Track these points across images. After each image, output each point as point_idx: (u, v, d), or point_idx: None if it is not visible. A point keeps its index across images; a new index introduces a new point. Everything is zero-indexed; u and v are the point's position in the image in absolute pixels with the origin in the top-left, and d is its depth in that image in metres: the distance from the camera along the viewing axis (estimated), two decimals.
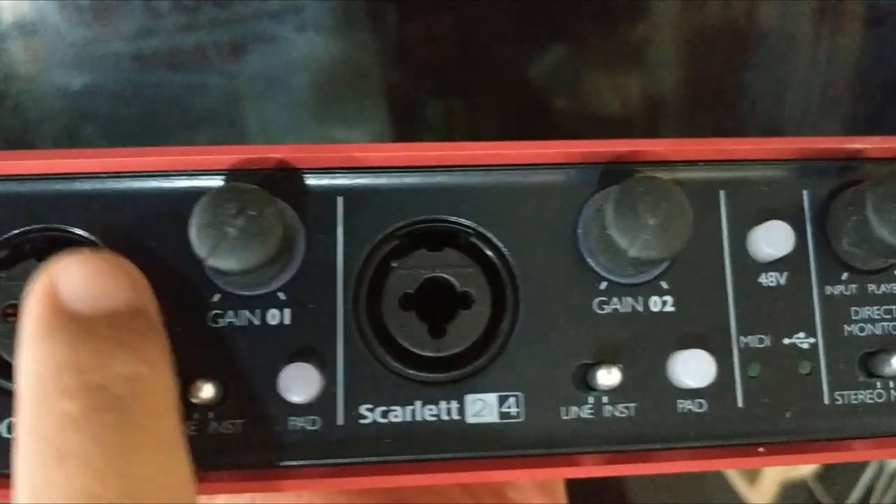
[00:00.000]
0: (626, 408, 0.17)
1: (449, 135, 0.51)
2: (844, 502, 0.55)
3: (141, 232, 0.16)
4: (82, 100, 0.47)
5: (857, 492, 0.55)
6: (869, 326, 0.17)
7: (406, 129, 0.47)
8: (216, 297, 0.16)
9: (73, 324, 0.14)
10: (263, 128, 0.50)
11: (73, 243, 0.16)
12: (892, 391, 0.17)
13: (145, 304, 0.15)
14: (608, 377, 0.16)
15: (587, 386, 0.17)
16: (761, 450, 0.17)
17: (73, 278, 0.14)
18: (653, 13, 0.47)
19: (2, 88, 0.46)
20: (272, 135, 0.50)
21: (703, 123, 0.48)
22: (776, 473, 0.50)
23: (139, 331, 0.14)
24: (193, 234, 0.15)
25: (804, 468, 0.53)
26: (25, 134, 0.47)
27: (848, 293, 0.17)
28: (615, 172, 0.17)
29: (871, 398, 0.17)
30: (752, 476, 0.51)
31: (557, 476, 0.17)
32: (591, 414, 0.17)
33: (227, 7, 0.44)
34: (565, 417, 0.17)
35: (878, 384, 0.17)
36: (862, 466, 0.55)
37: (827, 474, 0.55)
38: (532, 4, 0.45)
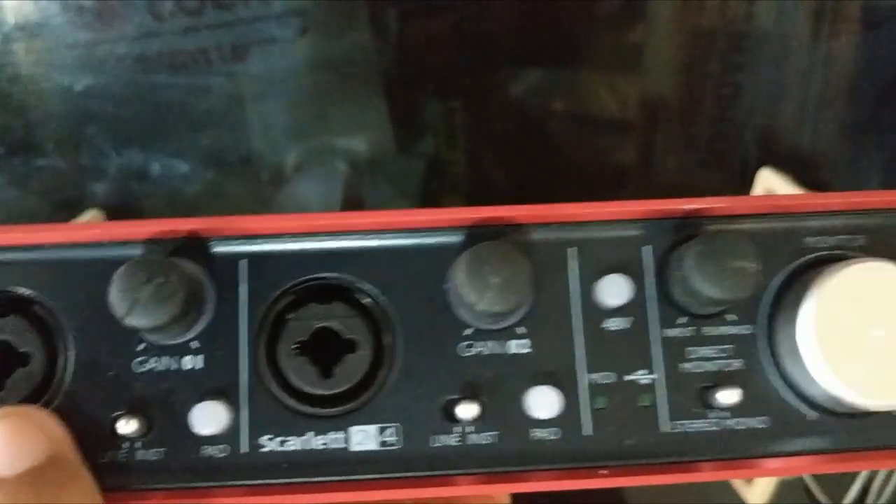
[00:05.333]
0: (489, 436, 0.20)
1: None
2: (841, 501, 0.56)
3: (77, 294, 0.20)
4: (85, 101, 0.47)
5: (854, 490, 0.55)
6: (704, 364, 0.20)
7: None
8: (141, 346, 0.20)
9: None
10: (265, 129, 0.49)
11: (24, 300, 0.20)
12: (725, 420, 0.20)
13: (62, 449, 0.16)
14: (469, 411, 0.19)
15: (453, 418, 0.19)
16: (604, 472, 0.19)
17: None
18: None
19: (5, 89, 0.47)
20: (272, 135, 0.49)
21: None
22: None
23: (60, 479, 0.16)
24: (112, 298, 0.18)
25: None
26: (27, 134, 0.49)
27: (685, 335, 0.20)
28: (478, 235, 0.20)
29: (706, 427, 0.20)
30: None
31: (430, 495, 0.20)
32: (458, 441, 0.19)
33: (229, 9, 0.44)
34: (436, 445, 0.19)
35: (712, 414, 0.20)
36: None
37: (824, 474, 0.55)
38: None
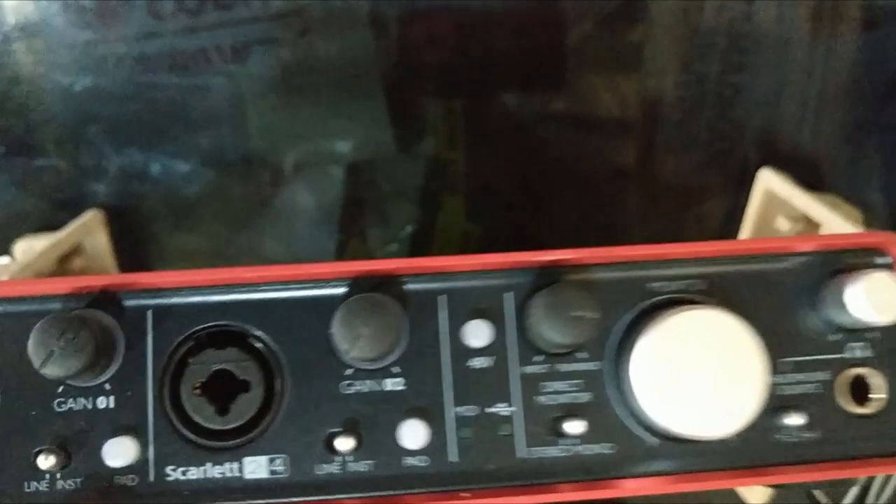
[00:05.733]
0: (366, 464, 0.22)
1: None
2: (841, 501, 0.59)
3: (2, 343, 0.22)
4: (85, 101, 0.47)
5: (854, 491, 0.55)
6: (557, 397, 0.23)
7: None
8: (60, 389, 0.22)
9: None
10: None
11: None
12: (575, 447, 0.23)
13: None
14: (347, 443, 0.22)
15: (334, 449, 0.22)
16: (466, 494, 0.22)
17: None
18: None
19: (6, 89, 0.47)
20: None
21: None
22: None
23: None
24: (29, 350, 0.21)
25: None
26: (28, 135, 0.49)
27: (540, 371, 0.23)
28: (359, 286, 0.23)
29: (558, 453, 0.23)
30: None
31: None
32: (339, 469, 0.22)
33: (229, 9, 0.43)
34: (319, 473, 0.22)
35: (563, 442, 0.23)
36: None
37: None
38: None
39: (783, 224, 0.51)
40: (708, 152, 0.54)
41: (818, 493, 0.56)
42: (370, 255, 0.56)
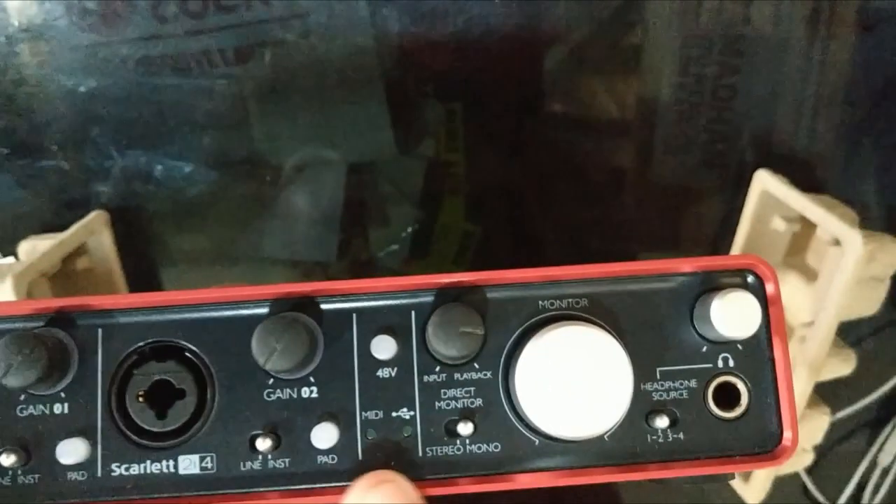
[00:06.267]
0: (283, 462, 0.26)
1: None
2: (837, 499, 0.59)
3: None
4: (89, 102, 0.47)
5: (850, 488, 0.58)
6: (453, 402, 0.26)
7: None
8: (22, 397, 0.26)
9: None
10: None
11: None
12: (469, 446, 0.26)
13: None
14: (267, 444, 0.25)
15: (257, 448, 0.25)
16: None
17: None
18: None
19: (10, 90, 0.47)
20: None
21: None
22: (769, 471, 0.52)
23: None
24: None
25: (798, 466, 0.56)
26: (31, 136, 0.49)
27: (439, 380, 0.26)
28: (280, 306, 0.26)
29: (453, 451, 0.26)
30: (746, 473, 0.54)
31: None
32: (260, 466, 0.26)
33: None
34: (243, 469, 0.26)
35: (458, 442, 0.26)
36: (854, 463, 0.59)
37: (820, 472, 0.59)
38: None
39: (779, 224, 0.51)
40: (705, 153, 0.54)
41: (814, 490, 0.58)
42: (371, 256, 0.57)
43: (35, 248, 0.49)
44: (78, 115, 0.49)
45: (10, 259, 0.50)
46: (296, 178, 0.53)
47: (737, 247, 0.53)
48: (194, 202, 0.53)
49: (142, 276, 0.55)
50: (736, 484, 0.55)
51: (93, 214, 0.51)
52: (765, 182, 0.50)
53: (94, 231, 0.51)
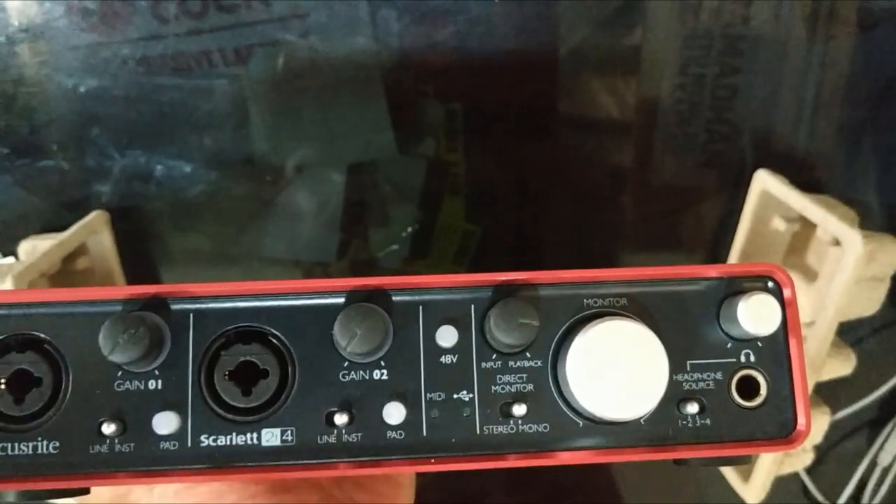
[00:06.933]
0: (356, 436, 0.29)
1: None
2: (837, 499, 0.60)
3: (78, 337, 0.28)
4: (89, 102, 0.47)
5: (850, 488, 0.59)
6: (508, 387, 0.29)
7: None
8: (119, 373, 0.28)
9: None
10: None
11: (38, 341, 0.28)
12: (521, 426, 0.29)
13: None
14: (341, 419, 0.28)
15: (333, 423, 0.28)
16: (432, 460, 0.28)
17: None
18: None
19: (10, 90, 0.47)
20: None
21: None
22: (769, 471, 0.54)
23: None
24: (100, 341, 0.27)
25: (798, 465, 0.56)
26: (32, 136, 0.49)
27: (496, 366, 0.29)
28: (355, 297, 0.29)
29: (507, 430, 0.29)
30: (746, 474, 0.55)
31: (316, 475, 0.29)
32: (335, 440, 0.29)
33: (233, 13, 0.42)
34: (320, 442, 0.28)
35: (511, 422, 0.29)
36: (854, 464, 0.60)
37: (820, 472, 0.60)
38: None
39: (779, 224, 0.52)
40: (705, 153, 0.55)
41: (814, 490, 0.59)
42: (371, 256, 0.58)
43: (35, 248, 0.49)
44: (78, 115, 0.50)
45: (10, 259, 0.50)
46: (295, 178, 0.54)
47: (737, 246, 0.54)
48: (194, 202, 0.54)
49: (142, 275, 0.56)
50: (736, 484, 0.56)
51: (93, 214, 0.52)
52: (765, 182, 0.51)
53: (94, 231, 0.52)
